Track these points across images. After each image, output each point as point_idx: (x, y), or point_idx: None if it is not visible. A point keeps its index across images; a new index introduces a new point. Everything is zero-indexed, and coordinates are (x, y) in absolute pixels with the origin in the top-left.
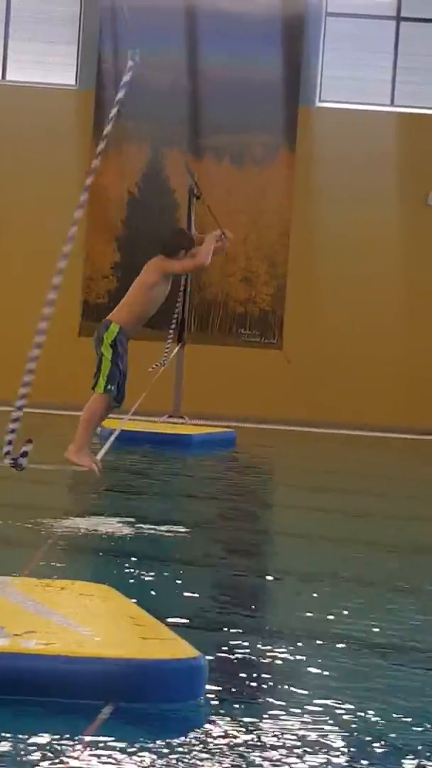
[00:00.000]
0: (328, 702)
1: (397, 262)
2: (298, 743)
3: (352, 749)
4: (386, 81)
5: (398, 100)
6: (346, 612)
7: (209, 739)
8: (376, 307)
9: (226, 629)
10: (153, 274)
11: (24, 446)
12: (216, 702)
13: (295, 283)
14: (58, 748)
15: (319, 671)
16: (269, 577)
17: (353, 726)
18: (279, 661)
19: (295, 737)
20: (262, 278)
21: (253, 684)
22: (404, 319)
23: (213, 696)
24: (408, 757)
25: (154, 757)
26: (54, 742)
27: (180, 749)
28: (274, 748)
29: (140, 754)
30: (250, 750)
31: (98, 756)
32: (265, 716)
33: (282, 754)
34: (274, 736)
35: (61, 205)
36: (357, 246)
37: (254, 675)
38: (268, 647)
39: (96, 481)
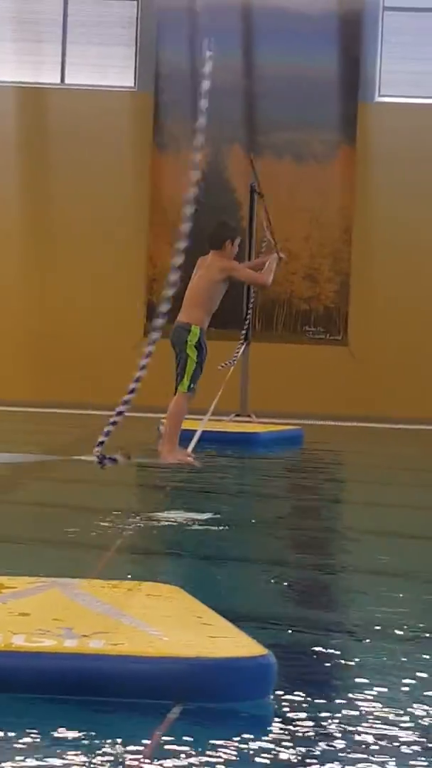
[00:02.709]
0: (398, 699)
1: None
2: (369, 739)
3: (424, 746)
4: None
5: None
6: (416, 609)
7: (279, 737)
8: None
9: (293, 626)
10: (217, 273)
11: (120, 455)
12: (285, 699)
13: (358, 280)
14: (128, 748)
15: (389, 668)
16: (337, 574)
17: (426, 723)
18: (347, 658)
19: (365, 733)
20: (325, 275)
21: (322, 681)
22: None
23: (282, 693)
24: None
25: (225, 756)
26: (123, 742)
27: (250, 748)
28: (344, 744)
29: (210, 753)
30: (321, 747)
31: (168, 756)
32: (334, 713)
33: (353, 750)
34: (344, 733)
35: (120, 206)
36: (419, 241)
37: (323, 672)
38: (337, 644)
39: (196, 469)
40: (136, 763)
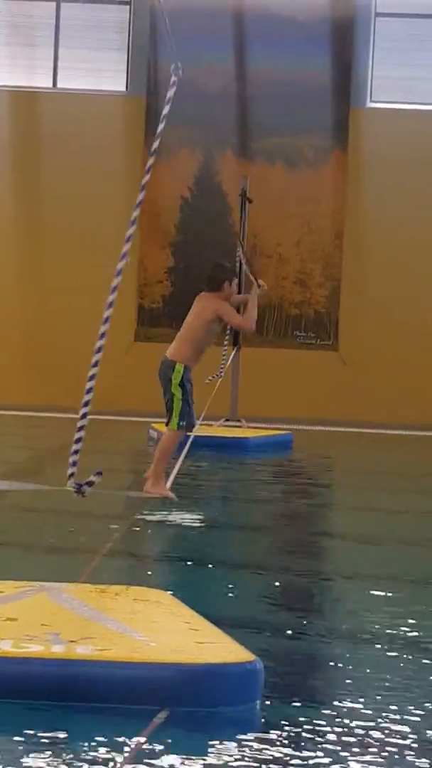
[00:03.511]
0: (386, 703)
1: None
2: (357, 745)
3: (411, 750)
4: None
5: None
6: (405, 614)
7: (266, 743)
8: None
9: (282, 632)
10: (211, 313)
11: (93, 476)
12: (272, 705)
13: (349, 285)
14: (114, 753)
15: (377, 673)
16: (326, 580)
17: (411, 727)
18: (336, 664)
19: (353, 739)
20: (316, 280)
21: (310, 686)
22: None
23: (269, 699)
24: None
25: (210, 761)
26: (110, 747)
27: (236, 753)
28: (331, 750)
29: (196, 758)
30: (308, 752)
31: (154, 761)
32: (322, 719)
33: (340, 755)
34: (332, 738)
35: (113, 211)
36: (411, 246)
37: (311, 677)
38: (325, 650)
39: (172, 503)
40: (121, 767)
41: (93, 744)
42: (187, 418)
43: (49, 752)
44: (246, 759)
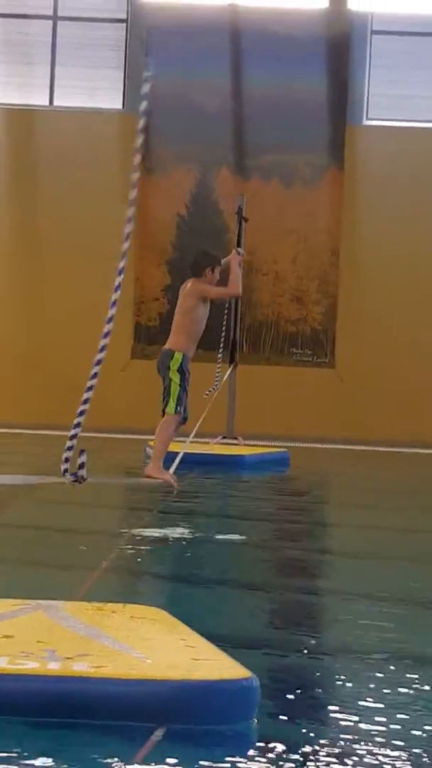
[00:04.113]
0: (381, 721)
1: None
2: (353, 763)
3: (406, 765)
4: None
5: None
6: (401, 631)
7: (262, 760)
8: (428, 324)
9: (278, 649)
10: (191, 298)
11: (79, 458)
12: (269, 722)
13: (346, 302)
14: None
15: (373, 690)
16: (322, 597)
17: (407, 743)
18: (332, 681)
19: (348, 756)
20: (312, 297)
21: (307, 704)
22: None
23: (266, 716)
24: None
25: None
26: (106, 765)
27: None
28: (327, 767)
29: None
30: None
31: None
32: (317, 735)
33: None
34: (328, 756)
35: (108, 227)
36: (407, 264)
37: (307, 694)
38: (322, 667)
39: (174, 493)
40: None
41: (89, 762)
42: (184, 408)
43: None
44: None
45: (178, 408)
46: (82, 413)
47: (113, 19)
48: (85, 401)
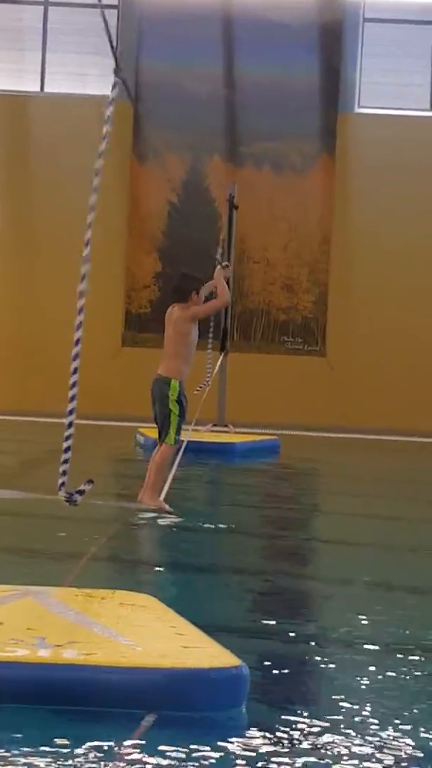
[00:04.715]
0: (371, 707)
1: None
2: (340, 750)
3: (398, 754)
4: (425, 85)
5: None
6: (391, 618)
7: (251, 747)
8: (418, 313)
9: (268, 636)
10: (185, 324)
11: (84, 485)
12: (258, 710)
13: (336, 290)
14: (101, 757)
15: (363, 677)
16: (312, 584)
17: (399, 732)
18: (321, 668)
19: (336, 745)
20: (303, 285)
21: (296, 691)
22: None
23: (255, 703)
24: None
25: (197, 765)
26: (96, 751)
27: (223, 757)
28: (315, 755)
29: (182, 762)
30: (291, 757)
31: (140, 765)
32: (307, 723)
33: (325, 759)
34: (316, 743)
35: (99, 215)
36: (398, 252)
37: (296, 682)
38: (311, 654)
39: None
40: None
41: (79, 748)
42: (180, 435)
43: (35, 756)
44: (232, 763)
45: (177, 437)
46: (71, 412)
47: (105, 5)
48: (72, 398)
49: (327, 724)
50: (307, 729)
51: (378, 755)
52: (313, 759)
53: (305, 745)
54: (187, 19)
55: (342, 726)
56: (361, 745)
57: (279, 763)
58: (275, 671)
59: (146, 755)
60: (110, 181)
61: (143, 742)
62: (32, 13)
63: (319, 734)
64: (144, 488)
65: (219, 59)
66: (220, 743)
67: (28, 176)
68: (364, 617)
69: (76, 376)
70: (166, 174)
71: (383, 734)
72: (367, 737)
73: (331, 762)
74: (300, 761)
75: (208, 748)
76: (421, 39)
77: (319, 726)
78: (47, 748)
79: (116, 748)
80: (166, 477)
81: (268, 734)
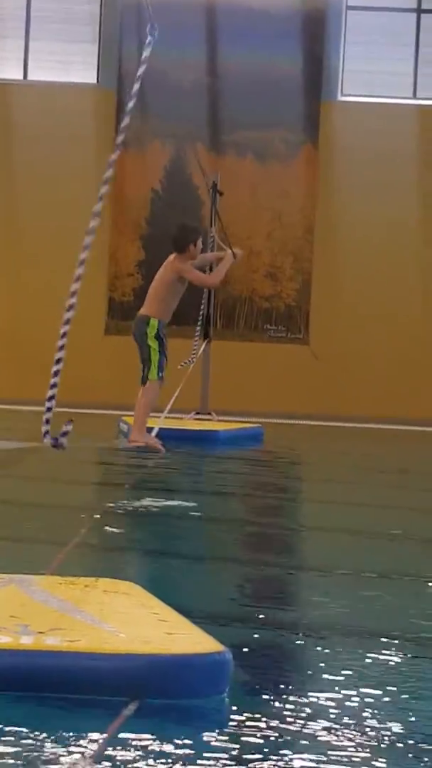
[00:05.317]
0: (355, 697)
1: (421, 255)
2: (324, 739)
3: (379, 744)
4: (408, 74)
5: (420, 92)
6: (374, 606)
7: (234, 734)
8: (402, 300)
9: (251, 624)
10: (171, 273)
11: (65, 426)
12: (241, 697)
13: (320, 278)
14: (83, 744)
15: (346, 666)
16: (295, 572)
17: (381, 718)
18: (305, 655)
19: (320, 733)
20: (287, 273)
21: (279, 679)
22: (430, 312)
23: (238, 691)
24: None
25: (179, 752)
26: (78, 738)
27: (205, 744)
28: (299, 741)
29: (165, 749)
30: (276, 744)
31: (123, 753)
32: (290, 710)
33: (308, 747)
34: (300, 730)
35: (83, 204)
36: (381, 240)
37: (280, 669)
38: (294, 642)
39: (160, 455)
40: (90, 759)
41: (61, 736)
42: (163, 372)
43: (16, 743)
44: (215, 750)
45: (160, 374)
46: (58, 360)
47: None
48: (58, 360)
49: (311, 711)
50: (291, 716)
51: (362, 742)
52: (297, 746)
53: (289, 732)
54: (170, 7)
55: (325, 713)
56: (345, 733)
57: (262, 751)
58: (259, 658)
59: (129, 741)
60: (94, 168)
61: (126, 728)
62: (14, 1)
63: (303, 721)
64: (132, 428)
65: (202, 47)
66: (203, 730)
67: (11, 164)
68: (349, 605)
69: (62, 353)
70: (149, 162)
71: (367, 721)
72: (351, 724)
73: (315, 749)
74: (284, 748)
75: (190, 735)
76: (405, 27)
77: (303, 713)
78: (29, 735)
79: (98, 736)
80: (148, 414)
81: (250, 722)
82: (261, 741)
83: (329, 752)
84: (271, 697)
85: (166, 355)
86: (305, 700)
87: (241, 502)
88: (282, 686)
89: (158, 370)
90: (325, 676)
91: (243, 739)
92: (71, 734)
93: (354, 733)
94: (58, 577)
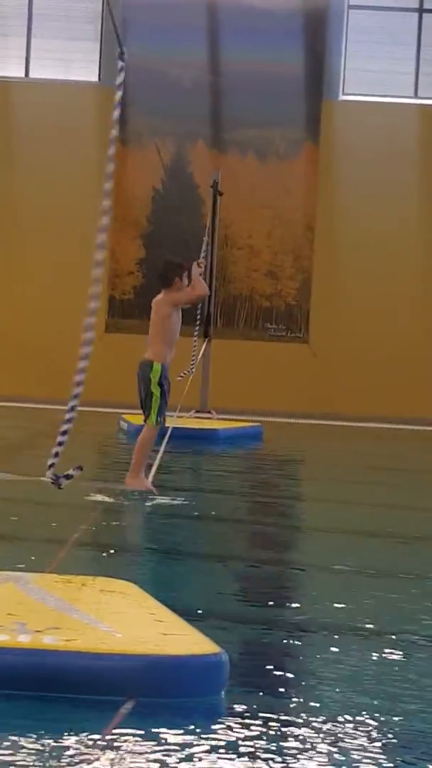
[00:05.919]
0: (350, 695)
1: (421, 254)
2: (319, 737)
3: (376, 741)
4: (409, 73)
5: (421, 91)
6: (372, 605)
7: (230, 734)
8: (401, 299)
9: (248, 624)
10: (165, 307)
11: (73, 470)
12: (237, 696)
13: (320, 277)
14: (80, 743)
15: (341, 664)
16: (293, 571)
17: (377, 716)
18: (301, 655)
19: (315, 731)
20: (287, 272)
21: (275, 678)
22: (430, 311)
23: (234, 690)
24: None
25: (175, 751)
26: (75, 737)
27: (202, 744)
28: (295, 740)
29: (161, 749)
30: (270, 744)
31: (119, 752)
32: (285, 710)
33: (302, 748)
34: (297, 729)
35: (83, 200)
36: (381, 239)
37: (276, 669)
38: (290, 641)
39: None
40: (87, 757)
41: (58, 734)
42: (162, 417)
43: (14, 741)
44: (211, 750)
45: (159, 419)
46: (76, 396)
47: None
48: (78, 384)
49: (308, 711)
50: (287, 716)
51: (360, 740)
52: (293, 745)
53: (285, 732)
54: (172, 6)
55: (323, 712)
56: (342, 731)
57: (259, 750)
58: (255, 658)
59: (125, 742)
60: (95, 166)
61: (122, 728)
62: None
63: (300, 721)
64: (130, 470)
65: (203, 46)
66: (199, 730)
67: (13, 161)
68: (345, 604)
69: (86, 362)
70: (150, 160)
71: (364, 720)
72: (348, 723)
73: (311, 748)
74: (280, 748)
75: (187, 735)
76: (406, 26)
77: (300, 712)
78: (23, 735)
79: (94, 735)
80: (147, 457)
81: (247, 721)
82: (258, 741)
83: (328, 751)
84: (269, 697)
85: (167, 399)
86: (303, 699)
87: (240, 501)
88: (279, 686)
89: (157, 416)
90: (324, 674)
91: (240, 738)
92: (68, 733)
93: (354, 731)
94: (56, 575)
